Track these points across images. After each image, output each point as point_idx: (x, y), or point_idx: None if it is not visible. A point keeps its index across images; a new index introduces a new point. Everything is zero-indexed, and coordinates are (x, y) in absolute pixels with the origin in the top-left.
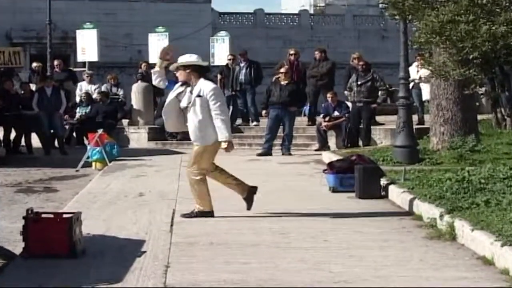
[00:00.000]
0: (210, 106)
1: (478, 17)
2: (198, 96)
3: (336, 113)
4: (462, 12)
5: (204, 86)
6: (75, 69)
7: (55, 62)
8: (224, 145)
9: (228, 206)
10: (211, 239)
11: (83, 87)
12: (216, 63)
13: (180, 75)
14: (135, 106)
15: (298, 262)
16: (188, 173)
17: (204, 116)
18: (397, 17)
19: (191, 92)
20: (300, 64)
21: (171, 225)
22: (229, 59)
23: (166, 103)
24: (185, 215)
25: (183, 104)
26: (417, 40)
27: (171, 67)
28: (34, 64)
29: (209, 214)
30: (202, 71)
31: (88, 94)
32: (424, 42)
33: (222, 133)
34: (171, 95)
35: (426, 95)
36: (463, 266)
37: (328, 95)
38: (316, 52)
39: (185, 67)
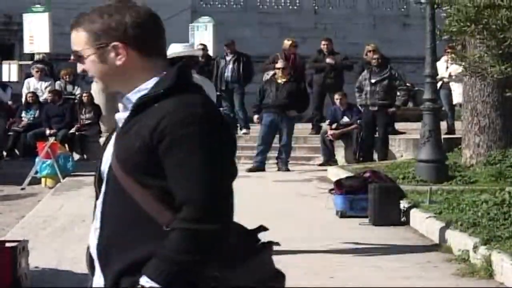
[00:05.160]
0: None
1: None
2: None
3: (345, 119)
4: None
5: None
6: (20, 63)
7: None
8: None
9: None
10: None
11: (31, 84)
12: None
13: None
14: None
15: None
16: None
17: None
18: (422, 0)
19: None
20: (298, 58)
21: None
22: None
23: None
24: None
25: None
26: (448, 29)
27: None
28: None
29: None
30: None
31: (35, 94)
32: (456, 32)
33: None
34: None
35: (457, 97)
36: None
37: (336, 96)
38: (324, 42)
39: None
